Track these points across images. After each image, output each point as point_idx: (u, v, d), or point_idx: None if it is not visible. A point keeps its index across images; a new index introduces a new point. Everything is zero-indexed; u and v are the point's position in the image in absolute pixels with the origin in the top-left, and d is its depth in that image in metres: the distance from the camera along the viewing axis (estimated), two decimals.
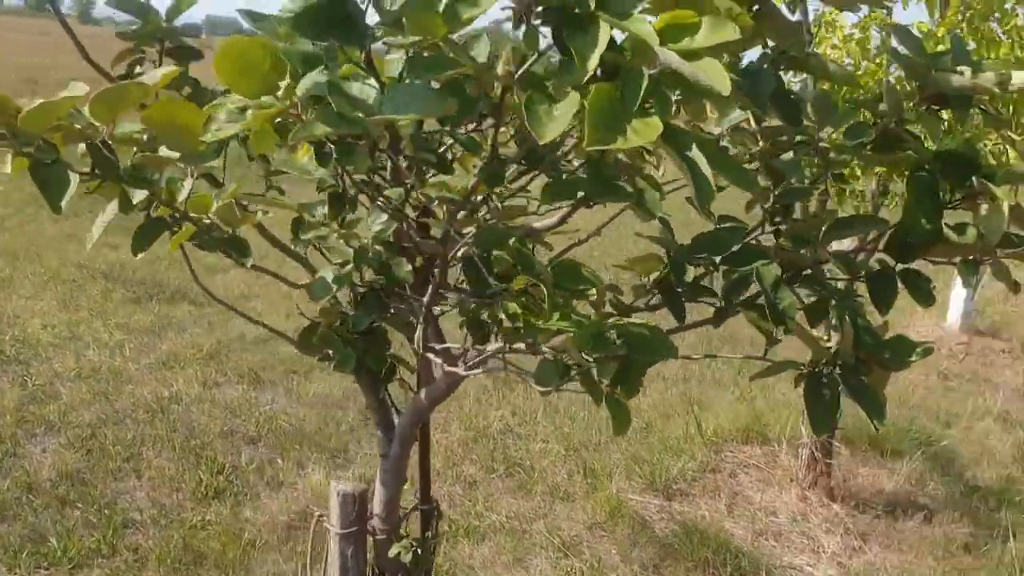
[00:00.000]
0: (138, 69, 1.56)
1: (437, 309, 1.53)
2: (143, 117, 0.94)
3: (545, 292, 1.13)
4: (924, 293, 1.38)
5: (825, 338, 1.51)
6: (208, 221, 1.22)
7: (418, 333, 1.45)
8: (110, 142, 0.97)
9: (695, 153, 0.81)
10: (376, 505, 1.87)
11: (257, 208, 1.31)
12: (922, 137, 1.59)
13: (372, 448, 4.61)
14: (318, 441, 4.66)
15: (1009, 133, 1.70)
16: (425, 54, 0.99)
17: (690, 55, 0.80)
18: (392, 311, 1.61)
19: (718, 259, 1.47)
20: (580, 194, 1.08)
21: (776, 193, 1.59)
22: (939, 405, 5.85)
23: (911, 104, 1.57)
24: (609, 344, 1.10)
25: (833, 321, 1.48)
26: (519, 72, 0.93)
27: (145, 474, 4.14)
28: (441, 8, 0.86)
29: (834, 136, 1.61)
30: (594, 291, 1.26)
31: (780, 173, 1.57)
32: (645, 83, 0.81)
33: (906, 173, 1.41)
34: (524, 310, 1.24)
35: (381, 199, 1.22)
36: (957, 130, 1.48)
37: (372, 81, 0.95)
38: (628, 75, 0.82)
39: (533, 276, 1.17)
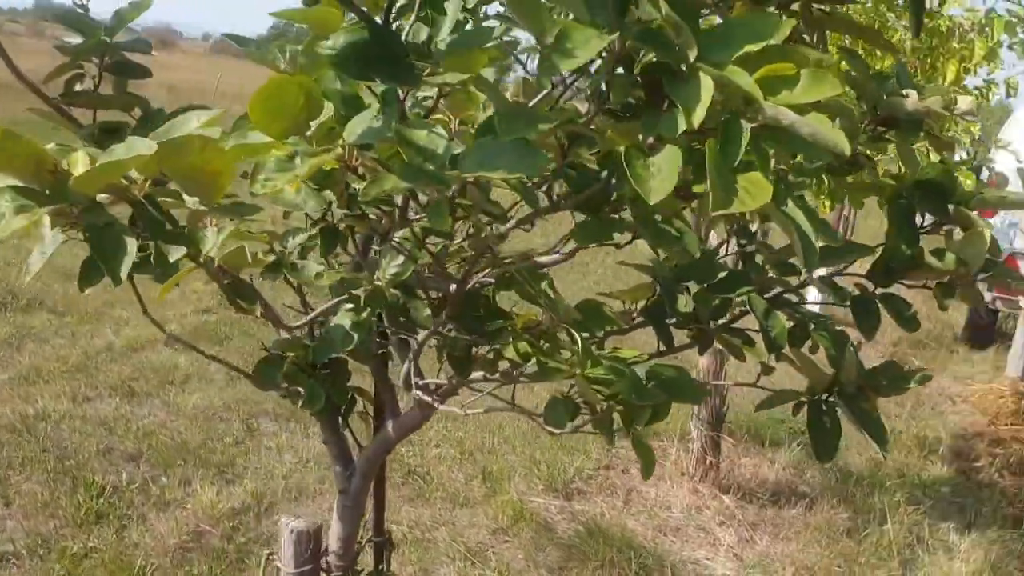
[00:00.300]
0: (78, 86, 1.41)
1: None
2: (165, 166, 0.83)
3: (579, 339, 1.09)
4: (907, 318, 1.42)
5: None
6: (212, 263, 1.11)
7: (404, 368, 1.37)
8: (154, 197, 0.86)
9: (792, 210, 0.79)
10: (332, 542, 1.78)
11: (257, 250, 1.20)
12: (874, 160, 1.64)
13: (262, 462, 4.43)
14: (203, 455, 4.43)
15: (948, 154, 1.77)
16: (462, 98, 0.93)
17: (797, 111, 0.78)
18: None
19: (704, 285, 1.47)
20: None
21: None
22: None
23: (864, 127, 1.62)
24: (650, 393, 1.08)
25: (807, 346, 1.51)
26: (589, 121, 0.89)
27: (15, 501, 3.81)
28: (538, 59, 0.80)
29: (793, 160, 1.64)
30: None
31: None
32: (747, 138, 0.78)
33: (884, 200, 1.44)
34: (534, 349, 1.20)
35: (396, 239, 1.15)
36: (925, 158, 1.53)
37: (439, 129, 0.88)
38: (727, 129, 0.79)
39: (561, 319, 1.13)
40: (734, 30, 0.88)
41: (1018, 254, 7.34)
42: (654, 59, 0.85)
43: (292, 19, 1.06)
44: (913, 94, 1.65)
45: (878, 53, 3.48)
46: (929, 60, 3.75)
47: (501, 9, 1.40)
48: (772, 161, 0.81)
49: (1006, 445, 5.79)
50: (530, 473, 4.55)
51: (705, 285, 1.46)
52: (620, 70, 0.85)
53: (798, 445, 5.07)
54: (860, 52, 3.46)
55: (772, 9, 1.06)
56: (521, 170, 0.81)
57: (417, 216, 1.19)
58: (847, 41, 3.42)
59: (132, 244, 0.81)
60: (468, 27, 1.12)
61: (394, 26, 0.93)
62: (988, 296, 7.61)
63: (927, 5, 3.85)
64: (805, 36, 1.23)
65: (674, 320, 1.45)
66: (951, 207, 1.43)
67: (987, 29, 3.25)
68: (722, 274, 1.45)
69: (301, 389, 1.47)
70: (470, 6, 1.11)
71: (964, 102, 1.69)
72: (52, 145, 0.80)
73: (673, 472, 4.72)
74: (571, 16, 0.87)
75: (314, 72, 0.97)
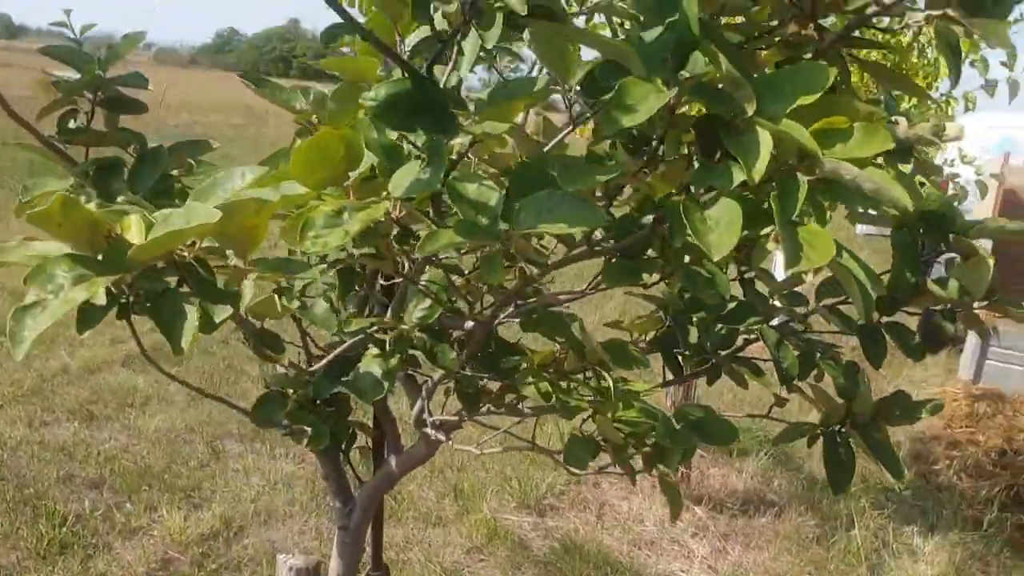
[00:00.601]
0: (72, 123, 1.37)
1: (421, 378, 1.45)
2: (219, 230, 0.80)
3: (609, 382, 1.09)
4: (912, 347, 1.44)
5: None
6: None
7: (417, 407, 1.35)
8: (203, 259, 0.83)
9: (848, 261, 0.79)
10: None
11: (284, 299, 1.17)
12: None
13: (229, 485, 4.35)
14: (168, 480, 4.34)
15: (934, 178, 1.80)
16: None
17: (857, 164, 0.78)
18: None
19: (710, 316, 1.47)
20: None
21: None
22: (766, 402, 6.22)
23: None
24: (683, 435, 1.07)
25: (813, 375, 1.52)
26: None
27: None
28: (598, 118, 0.79)
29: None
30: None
31: None
32: (804, 192, 0.78)
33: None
34: (555, 388, 1.19)
35: (423, 283, 1.13)
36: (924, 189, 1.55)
37: (489, 182, 0.86)
38: (785, 183, 0.79)
39: (592, 360, 1.12)
40: (786, 82, 0.88)
41: None
42: (706, 112, 0.85)
43: (330, 68, 1.04)
44: (903, 121, 1.68)
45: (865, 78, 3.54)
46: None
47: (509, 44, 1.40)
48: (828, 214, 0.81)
49: (962, 448, 5.91)
50: (502, 490, 4.53)
51: (713, 315, 1.47)
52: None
53: (765, 454, 5.13)
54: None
55: (808, 55, 1.06)
56: (580, 223, 0.80)
57: (443, 257, 1.17)
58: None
59: (192, 312, 0.78)
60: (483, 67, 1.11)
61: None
62: None
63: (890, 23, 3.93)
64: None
65: (684, 351, 1.45)
66: (951, 236, 1.45)
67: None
68: (731, 305, 1.46)
69: (306, 428, 1.44)
70: (488, 47, 1.10)
71: (952, 128, 1.72)
72: (93, 205, 0.76)
73: (644, 485, 4.73)
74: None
75: (345, 120, 0.95)
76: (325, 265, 1.22)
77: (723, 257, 1.77)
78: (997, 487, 5.26)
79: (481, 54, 1.08)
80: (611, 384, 1.11)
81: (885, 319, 1.48)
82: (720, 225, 0.80)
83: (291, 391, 1.51)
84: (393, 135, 0.96)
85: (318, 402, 1.55)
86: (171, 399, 5.29)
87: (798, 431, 1.36)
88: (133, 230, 0.75)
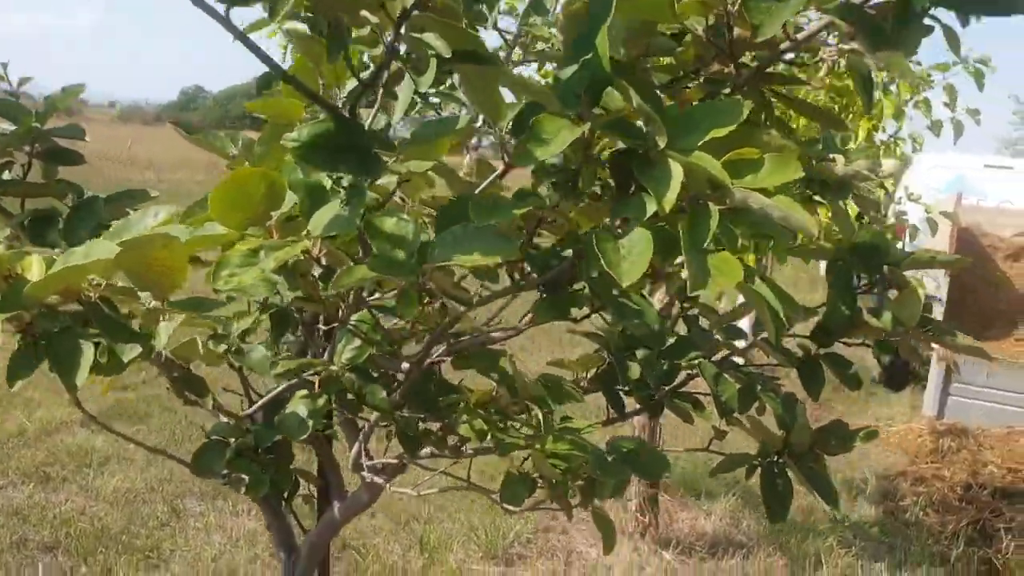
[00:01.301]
0: (6, 175, 1.36)
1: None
2: (123, 266, 0.79)
3: (540, 416, 1.09)
4: (849, 376, 1.45)
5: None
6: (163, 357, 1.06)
7: (354, 451, 1.34)
8: (109, 298, 0.82)
9: (760, 286, 0.81)
10: None
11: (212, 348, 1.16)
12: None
13: (189, 544, 4.26)
14: (126, 541, 4.23)
15: (875, 213, 1.84)
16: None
17: (763, 193, 0.79)
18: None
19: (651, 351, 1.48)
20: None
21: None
22: (735, 444, 6.22)
23: (795, 191, 1.67)
24: (614, 467, 1.07)
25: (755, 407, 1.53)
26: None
27: None
28: (514, 152, 0.81)
29: None
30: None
31: None
32: (716, 220, 0.79)
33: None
34: (491, 425, 1.18)
35: (352, 324, 1.12)
36: (862, 223, 1.58)
37: (406, 216, 0.87)
38: (696, 211, 0.81)
39: (524, 396, 1.12)
40: (699, 116, 0.90)
41: (929, 298, 7.60)
42: (621, 146, 0.86)
43: (256, 111, 1.05)
44: (840, 158, 1.72)
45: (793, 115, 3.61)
46: (845, 118, 3.91)
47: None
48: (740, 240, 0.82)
49: (928, 483, 5.94)
50: (468, 540, 4.47)
51: (655, 351, 1.47)
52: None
53: (733, 495, 5.11)
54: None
55: (727, 91, 1.09)
56: (494, 255, 0.80)
57: (373, 297, 1.17)
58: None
59: (89, 349, 0.77)
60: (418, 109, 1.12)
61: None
62: None
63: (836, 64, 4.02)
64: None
65: (625, 387, 1.45)
66: (886, 268, 1.48)
67: (892, 87, 3.42)
68: (671, 340, 1.47)
69: (244, 476, 1.42)
70: (422, 91, 1.12)
71: (888, 164, 1.76)
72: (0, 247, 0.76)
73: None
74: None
75: (271, 162, 0.95)
76: (258, 310, 1.22)
77: (665, 295, 1.77)
78: (963, 521, 5.28)
79: (430, 99, 1.09)
80: (542, 418, 1.10)
81: (823, 351, 1.50)
82: (632, 254, 0.81)
83: (232, 439, 1.50)
84: (321, 176, 0.96)
85: (259, 450, 1.53)
86: (131, 458, 5.18)
87: (735, 462, 1.36)
88: (33, 269, 0.74)
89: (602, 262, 0.79)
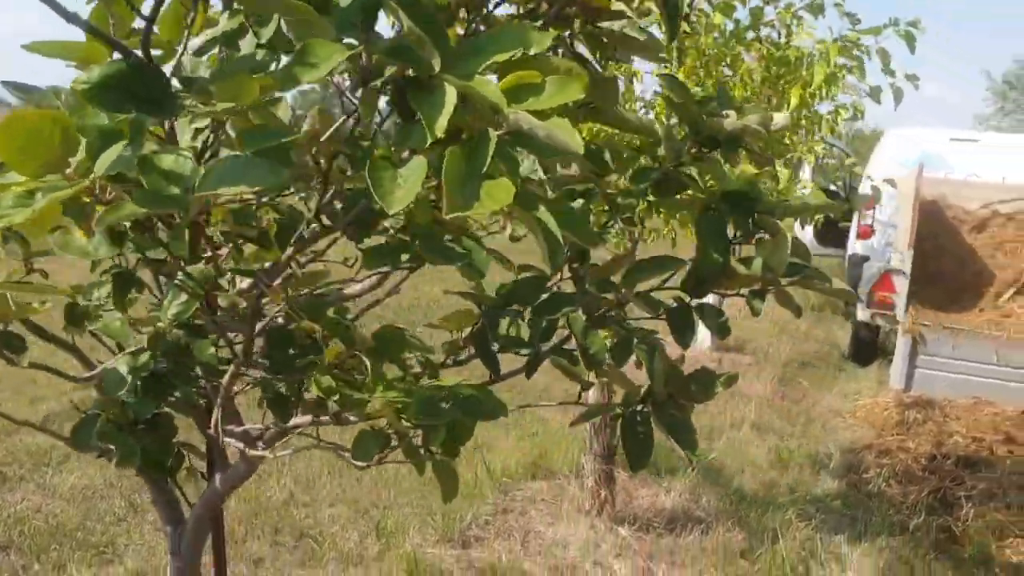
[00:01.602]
0: None
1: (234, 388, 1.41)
2: None
3: (368, 364, 1.06)
4: (720, 325, 1.44)
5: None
6: None
7: (215, 416, 1.32)
8: None
9: (543, 213, 0.79)
10: None
11: (32, 300, 1.13)
12: (698, 179, 1.68)
13: (145, 539, 4.23)
14: (80, 538, 4.20)
15: (772, 168, 1.83)
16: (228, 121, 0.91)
17: (539, 116, 0.78)
18: (177, 395, 1.47)
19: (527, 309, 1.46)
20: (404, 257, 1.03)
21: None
22: (700, 420, 6.23)
23: (687, 148, 1.65)
24: (440, 410, 1.05)
25: (634, 359, 1.51)
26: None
27: None
28: (276, 69, 0.78)
29: (620, 182, 1.66)
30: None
31: None
32: (494, 145, 0.77)
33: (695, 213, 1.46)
34: (339, 383, 1.16)
35: (180, 278, 1.10)
36: (733, 171, 1.56)
37: (187, 152, 0.85)
38: (476, 138, 0.79)
39: (354, 348, 1.10)
40: (484, 43, 0.89)
41: (893, 271, 7.62)
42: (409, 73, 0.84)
43: (49, 54, 1.02)
44: (732, 114, 1.70)
45: (730, 74, 3.60)
46: (779, 88, 3.90)
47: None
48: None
49: (893, 455, 5.96)
50: (425, 524, 4.46)
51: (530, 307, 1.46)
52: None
53: (694, 471, 5.12)
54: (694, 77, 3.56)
55: (538, 24, 1.06)
56: (261, 183, 0.78)
57: (210, 253, 1.15)
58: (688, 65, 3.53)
59: None
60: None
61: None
62: (867, 313, 7.88)
63: (779, 36, 4.02)
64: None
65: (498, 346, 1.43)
66: (756, 215, 1.46)
67: (824, 54, 3.41)
68: (544, 296, 1.45)
69: (112, 447, 1.39)
70: (263, 41, 1.09)
71: (780, 118, 1.74)
72: None
73: (569, 509, 4.69)
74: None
75: (78, 109, 0.93)
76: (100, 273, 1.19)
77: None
78: (925, 491, 5.30)
79: None
80: (370, 366, 1.08)
81: (695, 301, 1.48)
82: (407, 183, 0.79)
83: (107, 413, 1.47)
84: (120, 121, 0.94)
85: (138, 424, 1.51)
86: (90, 456, 5.14)
87: (593, 412, 1.35)
88: None
89: (371, 191, 0.77)
